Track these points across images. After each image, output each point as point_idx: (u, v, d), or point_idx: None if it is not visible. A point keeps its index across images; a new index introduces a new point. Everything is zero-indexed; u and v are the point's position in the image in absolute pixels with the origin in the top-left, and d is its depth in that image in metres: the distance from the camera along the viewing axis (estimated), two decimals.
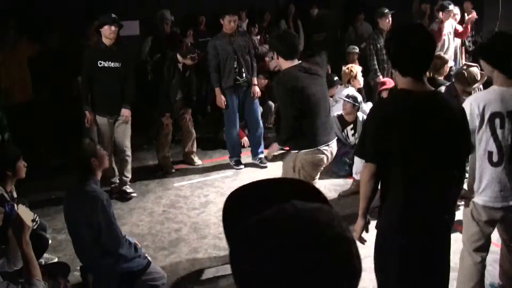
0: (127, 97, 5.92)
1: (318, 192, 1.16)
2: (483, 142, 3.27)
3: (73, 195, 3.73)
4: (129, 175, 6.23)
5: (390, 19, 8.03)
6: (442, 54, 6.54)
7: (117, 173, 6.18)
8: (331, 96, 7.83)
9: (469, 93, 5.53)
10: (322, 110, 4.19)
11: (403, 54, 2.68)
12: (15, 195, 4.14)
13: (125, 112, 5.89)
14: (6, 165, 4.00)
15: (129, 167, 6.21)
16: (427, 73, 6.26)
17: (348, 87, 7.00)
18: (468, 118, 3.13)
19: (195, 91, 7.24)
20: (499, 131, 3.21)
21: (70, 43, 7.47)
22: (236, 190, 1.17)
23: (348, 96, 6.51)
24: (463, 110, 2.86)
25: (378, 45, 7.88)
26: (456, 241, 4.71)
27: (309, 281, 0.92)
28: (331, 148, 4.25)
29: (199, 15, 8.97)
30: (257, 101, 7.05)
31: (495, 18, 9.19)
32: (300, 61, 4.21)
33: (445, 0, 8.37)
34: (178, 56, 6.42)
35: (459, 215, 5.30)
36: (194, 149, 7.22)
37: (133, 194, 6.17)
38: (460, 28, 8.51)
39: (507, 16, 9.13)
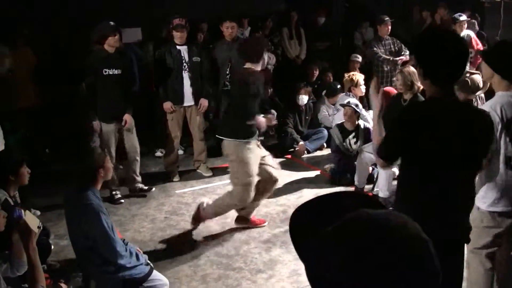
0: (129, 102, 6.14)
1: (376, 202, 1.20)
2: (502, 149, 3.19)
3: (70, 204, 3.73)
4: (139, 174, 6.54)
5: (390, 27, 8.08)
6: None
7: (117, 181, 6.26)
8: (333, 104, 7.87)
9: (471, 101, 5.56)
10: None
11: (438, 62, 2.58)
12: (18, 200, 4.15)
13: (127, 117, 6.08)
14: (8, 170, 4.03)
15: (138, 166, 6.47)
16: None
17: (349, 95, 7.02)
18: None
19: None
20: None
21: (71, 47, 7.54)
22: (302, 205, 1.22)
23: (348, 103, 6.53)
24: (491, 122, 2.76)
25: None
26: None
27: (392, 282, 0.94)
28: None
29: (200, 22, 8.99)
30: None
31: (496, 26, 9.23)
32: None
33: (457, 13, 8.39)
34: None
35: None
36: (203, 158, 7.10)
37: (153, 189, 6.51)
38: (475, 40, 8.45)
39: (508, 24, 9.18)
